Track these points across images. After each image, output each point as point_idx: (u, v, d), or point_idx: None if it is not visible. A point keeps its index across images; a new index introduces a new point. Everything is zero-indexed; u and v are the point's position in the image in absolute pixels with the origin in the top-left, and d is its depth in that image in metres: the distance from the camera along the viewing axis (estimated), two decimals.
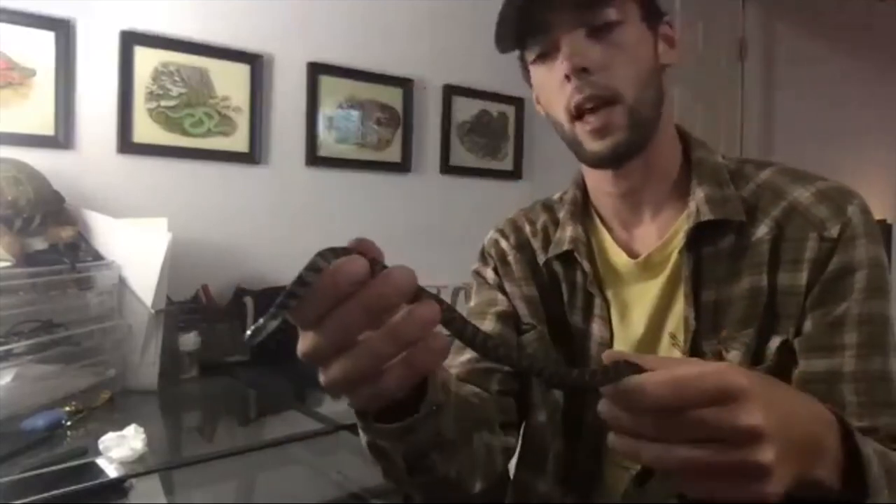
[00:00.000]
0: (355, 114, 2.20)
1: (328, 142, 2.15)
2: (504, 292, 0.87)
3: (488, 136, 2.52)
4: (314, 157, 2.12)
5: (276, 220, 2.06)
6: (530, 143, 2.62)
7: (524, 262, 0.87)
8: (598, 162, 0.75)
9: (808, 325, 0.69)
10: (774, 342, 0.70)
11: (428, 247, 2.35)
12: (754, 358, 0.70)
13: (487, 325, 0.83)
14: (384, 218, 2.28)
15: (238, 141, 1.97)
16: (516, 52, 0.83)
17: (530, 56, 0.77)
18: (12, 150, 1.57)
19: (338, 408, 1.34)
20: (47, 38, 1.67)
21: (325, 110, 2.14)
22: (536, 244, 0.87)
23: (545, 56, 0.74)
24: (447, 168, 2.42)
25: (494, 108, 2.52)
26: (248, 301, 1.89)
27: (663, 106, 0.76)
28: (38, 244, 1.42)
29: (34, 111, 1.65)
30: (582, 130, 0.73)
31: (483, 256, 0.92)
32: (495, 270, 0.89)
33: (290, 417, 1.43)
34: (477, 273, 0.92)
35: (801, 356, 0.69)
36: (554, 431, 0.81)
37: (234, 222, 1.98)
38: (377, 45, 2.24)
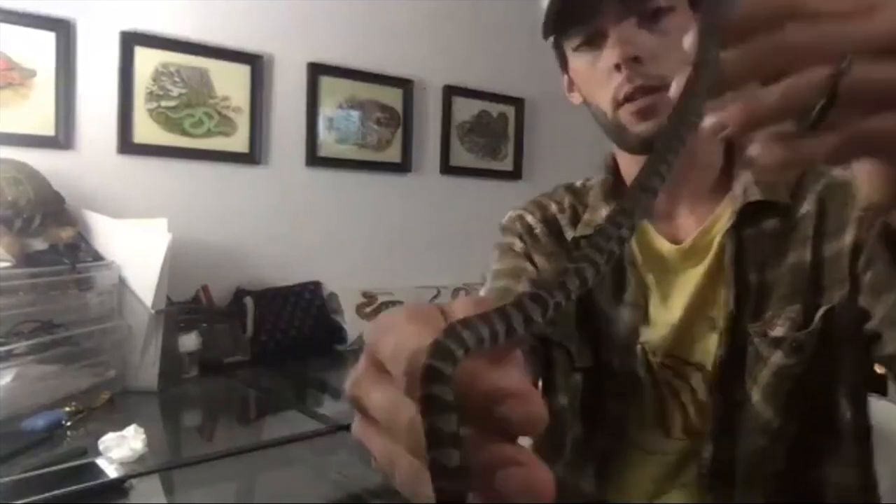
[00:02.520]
0: (355, 114, 2.20)
1: (328, 142, 2.15)
2: (532, 262, 0.83)
3: (488, 137, 2.52)
4: (314, 158, 2.12)
5: (276, 221, 2.06)
6: (530, 144, 2.62)
7: (552, 237, 0.84)
8: (641, 146, 0.73)
9: (879, 308, 0.65)
10: (820, 312, 0.69)
11: (428, 247, 2.36)
12: (801, 328, 0.70)
13: (522, 289, 0.78)
14: (384, 218, 2.29)
15: (238, 141, 1.97)
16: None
17: (572, 43, 0.75)
18: (12, 150, 1.57)
19: (338, 408, 1.34)
20: (47, 38, 1.67)
21: (325, 110, 2.14)
22: (563, 220, 0.85)
23: (590, 44, 0.73)
24: (447, 168, 2.42)
25: (494, 108, 2.52)
26: (248, 301, 1.89)
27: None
28: (38, 244, 1.42)
29: (34, 111, 1.65)
30: (626, 113, 0.71)
31: (506, 232, 0.88)
32: (521, 240, 0.85)
33: (290, 417, 1.43)
34: (499, 245, 0.87)
35: (888, 328, 0.65)
36: (573, 415, 0.81)
37: (234, 222, 1.98)
38: (377, 45, 2.24)
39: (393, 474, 0.27)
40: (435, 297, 2.25)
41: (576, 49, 0.75)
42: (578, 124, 2.72)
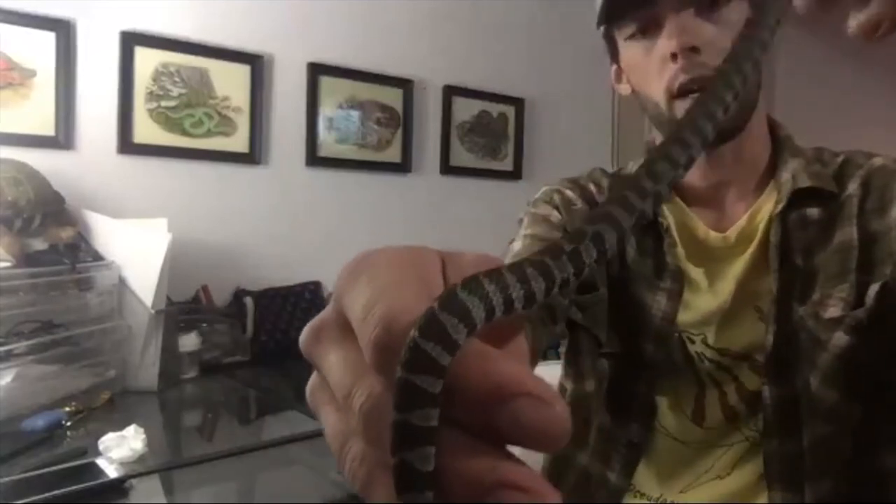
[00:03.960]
0: (355, 114, 2.20)
1: (328, 142, 2.15)
2: None
3: (488, 137, 2.52)
4: (314, 158, 2.12)
5: (276, 221, 2.06)
6: (530, 143, 2.62)
7: None
8: None
9: None
10: (874, 288, 0.69)
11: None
12: (854, 308, 0.69)
13: None
14: (384, 218, 2.28)
15: (238, 141, 1.97)
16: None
17: (625, 32, 0.75)
18: (12, 150, 1.57)
19: None
20: (47, 38, 1.67)
21: (325, 110, 2.14)
22: (602, 200, 0.83)
23: (645, 33, 0.72)
24: (447, 168, 2.42)
25: (494, 108, 2.52)
26: (248, 301, 1.89)
27: (760, 89, 0.75)
28: (38, 244, 1.42)
29: (34, 111, 1.65)
30: (682, 108, 0.71)
31: (540, 203, 0.83)
32: (559, 212, 0.81)
33: (290, 417, 1.42)
34: (531, 214, 0.82)
35: None
36: (600, 402, 0.80)
37: (234, 222, 1.98)
38: (377, 45, 2.24)
39: (342, 459, 0.22)
40: None
41: (629, 38, 0.74)
42: (578, 124, 2.73)
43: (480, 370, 0.18)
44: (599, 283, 0.79)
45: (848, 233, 0.71)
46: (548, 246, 0.21)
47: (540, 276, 0.20)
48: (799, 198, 0.72)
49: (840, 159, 0.77)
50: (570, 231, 0.22)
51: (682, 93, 0.70)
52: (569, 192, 0.83)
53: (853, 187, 0.73)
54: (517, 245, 0.78)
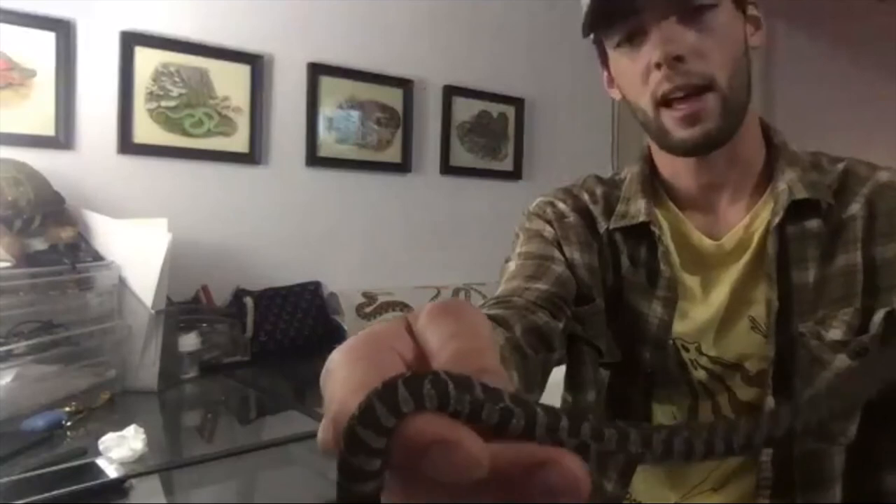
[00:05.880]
0: (355, 114, 2.20)
1: (328, 142, 2.15)
2: (562, 252, 0.79)
3: (488, 137, 2.52)
4: (314, 158, 2.12)
5: (276, 220, 2.06)
6: (530, 143, 2.62)
7: (584, 227, 0.81)
8: (685, 150, 0.72)
9: None
10: (879, 315, 0.69)
11: (428, 247, 2.36)
12: (858, 332, 0.69)
13: (543, 284, 0.72)
14: (384, 218, 2.29)
15: (238, 141, 1.97)
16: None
17: (612, 41, 0.74)
18: (12, 150, 1.57)
19: None
20: (47, 38, 1.67)
21: (325, 110, 2.14)
22: (597, 211, 0.82)
23: (631, 41, 0.72)
24: (447, 168, 2.42)
25: (494, 108, 2.52)
26: (248, 301, 1.89)
27: (751, 91, 0.74)
28: (38, 244, 1.42)
29: (34, 111, 1.65)
30: (669, 117, 0.70)
31: (533, 217, 0.83)
32: (552, 226, 0.81)
33: (290, 417, 1.43)
34: (525, 230, 0.82)
35: None
36: (600, 412, 0.79)
37: (234, 222, 1.98)
38: (377, 45, 2.24)
39: None
40: (435, 297, 2.25)
41: (616, 46, 0.74)
42: (578, 124, 2.73)
43: (408, 428, 0.21)
44: (596, 294, 0.78)
45: (851, 257, 0.70)
46: (460, 376, 0.22)
47: (435, 397, 0.22)
48: (796, 208, 0.72)
49: (840, 168, 0.76)
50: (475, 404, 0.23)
51: (665, 102, 0.70)
52: (561, 205, 0.83)
53: (857, 207, 0.72)
54: (512, 265, 0.78)
